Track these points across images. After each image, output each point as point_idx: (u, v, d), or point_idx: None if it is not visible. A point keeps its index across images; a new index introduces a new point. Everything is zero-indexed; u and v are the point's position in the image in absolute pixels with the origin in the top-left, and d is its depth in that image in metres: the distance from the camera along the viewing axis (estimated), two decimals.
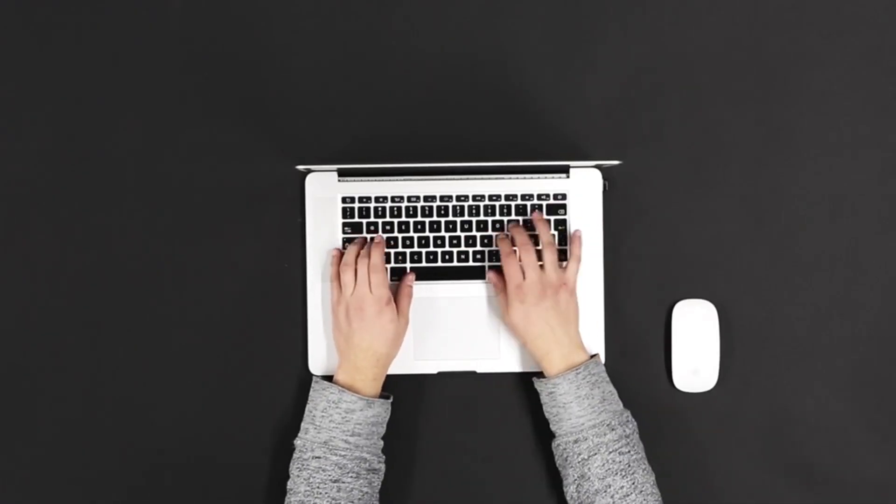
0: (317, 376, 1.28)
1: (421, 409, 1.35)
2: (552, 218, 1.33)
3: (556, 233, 1.33)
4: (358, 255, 1.29)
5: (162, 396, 1.35)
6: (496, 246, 1.33)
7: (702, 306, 1.34)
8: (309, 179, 1.34)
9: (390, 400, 1.28)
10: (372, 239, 1.32)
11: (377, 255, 1.29)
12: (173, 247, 1.35)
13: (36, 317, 1.35)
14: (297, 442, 1.25)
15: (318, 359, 1.34)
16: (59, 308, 1.35)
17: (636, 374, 1.35)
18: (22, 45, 1.36)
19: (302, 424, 1.26)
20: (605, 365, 1.33)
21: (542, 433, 1.34)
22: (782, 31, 1.36)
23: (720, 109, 1.36)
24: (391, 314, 1.26)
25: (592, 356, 1.28)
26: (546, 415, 1.28)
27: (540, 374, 1.30)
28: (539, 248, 1.30)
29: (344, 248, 1.33)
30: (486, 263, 1.34)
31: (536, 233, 1.31)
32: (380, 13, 1.36)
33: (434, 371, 1.34)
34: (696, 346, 1.34)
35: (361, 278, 1.27)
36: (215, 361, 1.35)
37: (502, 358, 1.34)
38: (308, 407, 1.26)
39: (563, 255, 1.33)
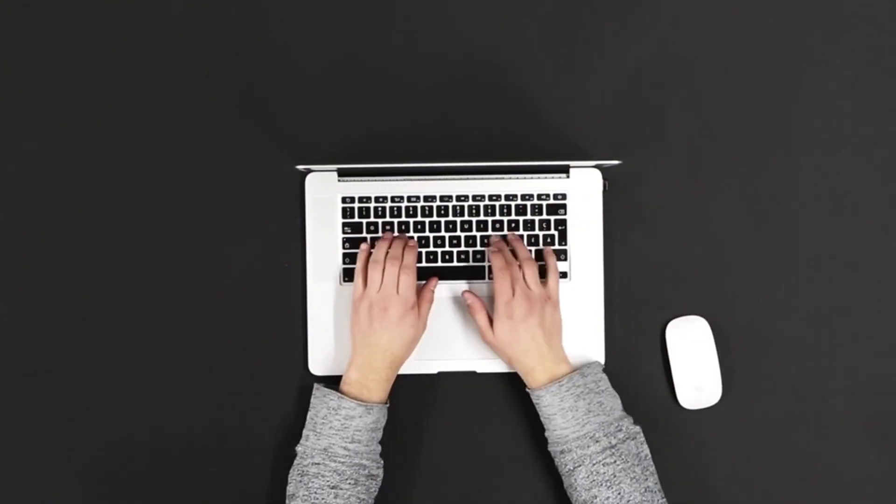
0: (318, 384, 1.28)
1: (421, 409, 1.35)
2: (552, 218, 1.33)
3: (554, 233, 1.33)
4: (387, 253, 1.28)
5: (161, 396, 1.35)
6: (488, 260, 1.32)
7: (693, 322, 1.34)
8: (309, 179, 1.34)
9: (387, 405, 1.28)
10: (408, 239, 1.31)
11: (411, 256, 1.28)
12: (173, 246, 1.35)
13: (36, 317, 1.35)
14: (298, 448, 1.25)
15: (318, 359, 1.34)
16: (59, 308, 1.35)
17: (640, 376, 1.35)
18: (22, 44, 1.36)
19: (304, 431, 1.26)
20: (608, 367, 1.33)
21: (542, 433, 1.33)
22: (782, 31, 1.36)
23: (720, 109, 1.36)
24: (413, 318, 1.26)
25: (583, 365, 1.27)
26: (541, 421, 1.28)
27: None
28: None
29: (372, 245, 1.32)
30: (487, 264, 1.34)
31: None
32: (380, 13, 1.36)
33: (434, 371, 1.34)
34: (694, 363, 1.33)
35: (390, 277, 1.26)
36: (215, 361, 1.35)
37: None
38: (310, 414, 1.26)
39: (553, 257, 1.33)
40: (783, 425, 1.35)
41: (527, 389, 1.28)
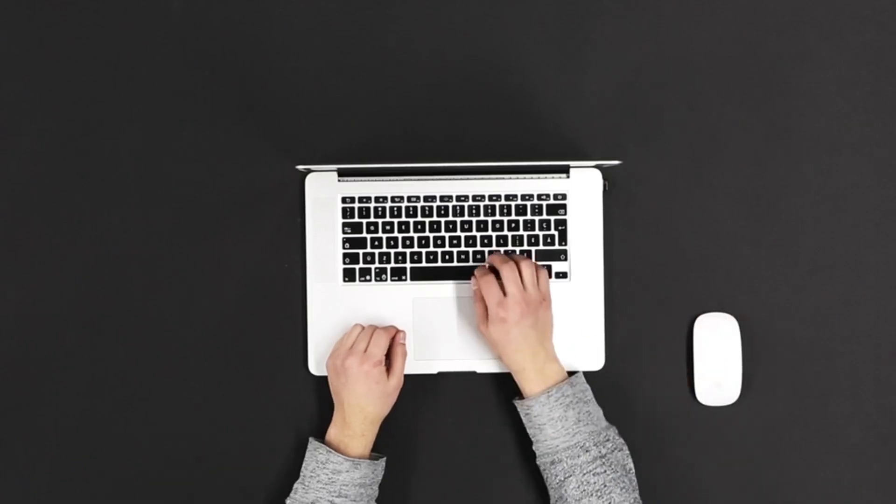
0: (312, 438, 1.27)
1: (421, 409, 1.35)
2: (552, 218, 1.33)
3: (554, 233, 1.33)
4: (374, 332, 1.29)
5: (161, 396, 1.35)
6: (475, 278, 1.29)
7: (723, 320, 1.33)
8: (309, 179, 1.34)
9: (383, 460, 1.27)
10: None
11: (395, 328, 1.29)
12: (173, 247, 1.35)
13: (36, 317, 1.35)
14: (287, 501, 1.25)
15: (318, 359, 1.34)
16: (59, 308, 1.35)
17: (640, 376, 1.35)
18: (22, 44, 1.36)
19: (294, 484, 1.26)
20: (608, 367, 1.33)
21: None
22: (782, 31, 1.36)
23: (720, 109, 1.36)
24: (378, 375, 1.25)
25: (570, 374, 1.27)
26: (528, 433, 1.28)
27: (520, 395, 1.30)
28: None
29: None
30: (486, 264, 1.33)
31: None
32: (379, 13, 1.36)
33: (434, 371, 1.34)
34: (717, 360, 1.33)
35: (365, 336, 1.26)
36: (215, 362, 1.35)
37: None
38: (302, 467, 1.26)
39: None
40: (783, 425, 1.35)
41: (515, 401, 1.28)
